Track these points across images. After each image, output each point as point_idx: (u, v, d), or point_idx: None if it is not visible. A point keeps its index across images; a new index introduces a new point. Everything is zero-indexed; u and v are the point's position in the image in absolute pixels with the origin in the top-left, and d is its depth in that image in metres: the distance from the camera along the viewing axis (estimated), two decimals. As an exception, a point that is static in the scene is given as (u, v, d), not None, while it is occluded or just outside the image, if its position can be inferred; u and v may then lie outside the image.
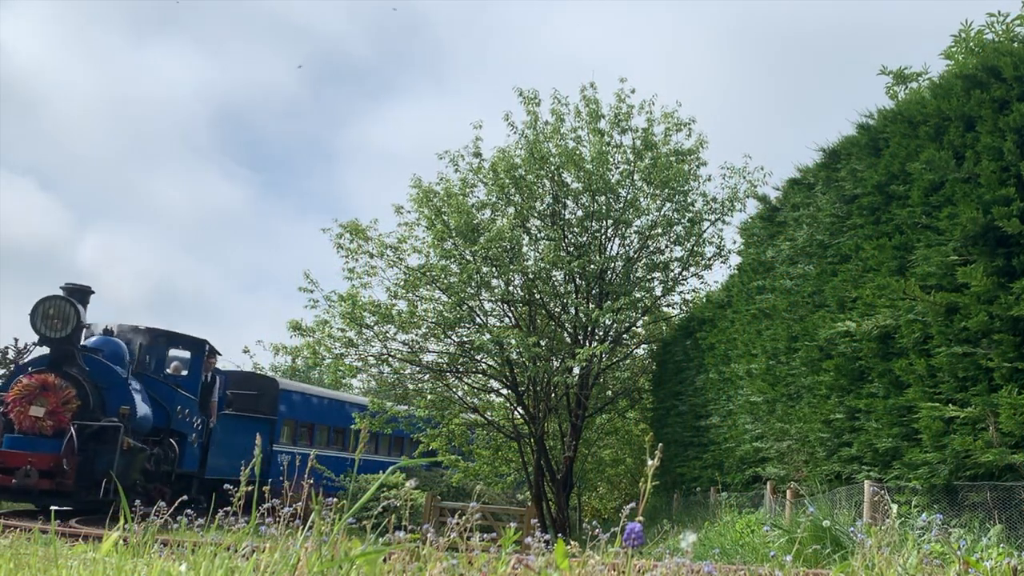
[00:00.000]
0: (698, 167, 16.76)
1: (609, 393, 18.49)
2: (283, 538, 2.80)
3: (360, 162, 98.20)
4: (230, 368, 21.52)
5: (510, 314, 16.63)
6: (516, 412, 17.29)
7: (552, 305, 16.53)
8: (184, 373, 16.49)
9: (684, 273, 17.27)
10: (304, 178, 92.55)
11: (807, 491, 7.91)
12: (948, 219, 6.68)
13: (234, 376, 19.87)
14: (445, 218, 15.47)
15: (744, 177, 16.73)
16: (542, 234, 16.52)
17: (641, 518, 2.36)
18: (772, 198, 11.22)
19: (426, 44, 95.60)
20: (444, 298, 15.62)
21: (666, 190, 16.35)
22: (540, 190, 16.36)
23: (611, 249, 16.64)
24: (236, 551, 2.99)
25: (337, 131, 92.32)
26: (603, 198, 16.14)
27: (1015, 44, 7.05)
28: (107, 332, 15.11)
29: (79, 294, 13.56)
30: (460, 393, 17.09)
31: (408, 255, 15.94)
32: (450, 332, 16.06)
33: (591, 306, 15.50)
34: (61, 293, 13.41)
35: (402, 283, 15.70)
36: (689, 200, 16.65)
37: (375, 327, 15.57)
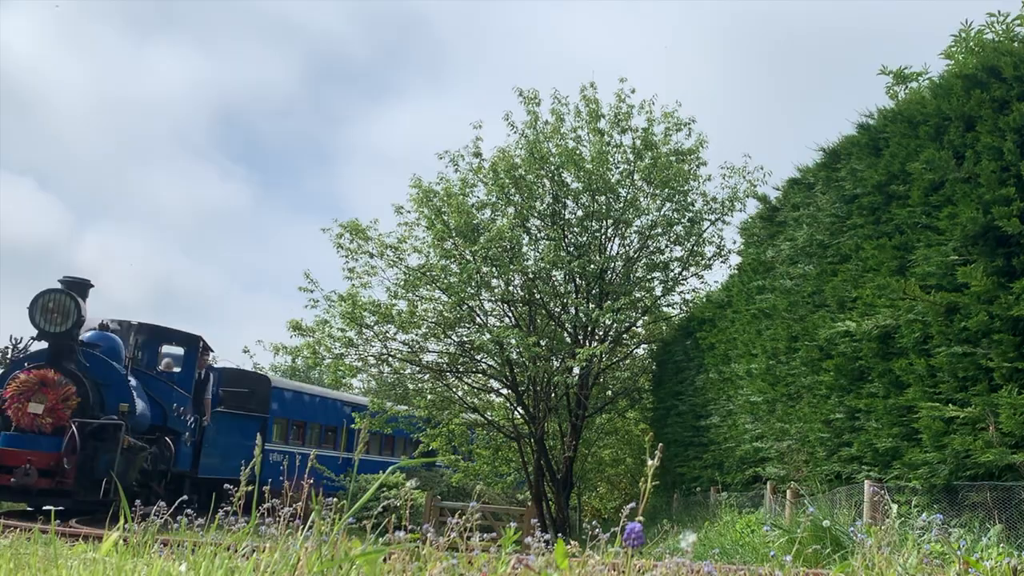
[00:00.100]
0: (698, 167, 16.77)
1: (609, 393, 18.48)
2: (283, 538, 2.80)
3: (358, 162, 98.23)
4: (219, 364, 21.32)
5: (510, 314, 16.62)
6: (516, 412, 17.29)
7: (552, 305, 16.52)
8: (177, 370, 16.08)
9: (684, 273, 17.28)
10: (302, 178, 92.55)
11: (807, 491, 7.91)
12: (948, 219, 6.68)
13: (225, 373, 19.65)
14: (445, 218, 15.47)
15: (744, 177, 16.75)
16: (542, 234, 16.52)
17: (641, 518, 2.36)
18: (772, 198, 11.23)
19: (425, 44, 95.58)
20: (444, 298, 15.62)
21: (666, 190, 16.35)
22: (540, 190, 16.36)
23: (611, 249, 16.65)
24: (236, 551, 2.99)
25: (336, 131, 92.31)
26: (603, 198, 16.13)
27: (1015, 44, 7.05)
28: (102, 327, 14.71)
29: (78, 287, 13.16)
30: (460, 393, 17.09)
31: (408, 255, 15.96)
32: (450, 332, 16.07)
33: (591, 306, 15.49)
34: (59, 286, 12.97)
35: (402, 283, 15.71)
36: (689, 200, 16.65)
37: (375, 327, 15.58)
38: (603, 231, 16.50)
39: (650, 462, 2.35)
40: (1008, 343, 6.11)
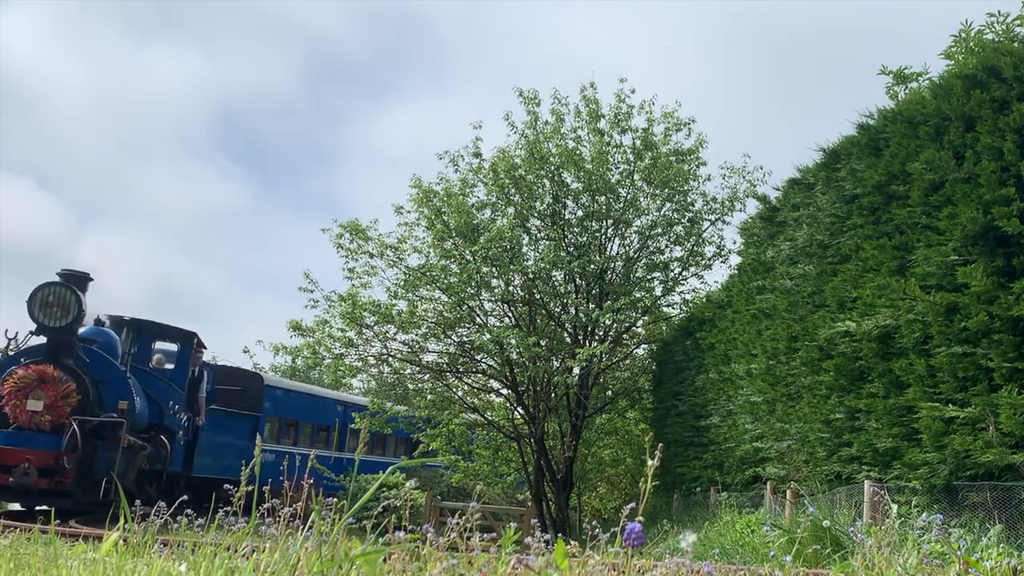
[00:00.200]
0: (698, 167, 16.77)
1: (609, 393, 18.48)
2: (283, 538, 2.80)
3: (358, 162, 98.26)
4: (213, 362, 21.15)
5: (510, 314, 16.63)
6: (516, 412, 17.30)
7: (552, 305, 16.52)
8: (169, 367, 15.69)
9: (684, 273, 17.28)
10: (302, 178, 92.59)
11: (807, 491, 7.91)
12: (948, 219, 6.68)
13: (218, 371, 19.42)
14: (445, 218, 15.47)
15: (744, 177, 16.75)
16: (542, 234, 16.53)
17: (641, 518, 2.36)
18: (772, 198, 11.23)
19: (425, 44, 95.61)
20: (444, 298, 15.62)
21: (666, 190, 16.35)
22: (540, 190, 16.36)
23: (611, 249, 16.65)
24: (236, 551, 2.99)
25: (336, 131, 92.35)
26: (603, 198, 16.14)
27: (1015, 44, 7.05)
28: (98, 323, 14.28)
29: (77, 281, 12.74)
30: (460, 393, 17.09)
31: (408, 255, 15.96)
32: (450, 332, 16.07)
33: (591, 306, 15.49)
34: (58, 279, 12.57)
35: (402, 283, 15.71)
36: (689, 200, 16.65)
37: (375, 327, 15.58)
38: (603, 231, 16.50)
39: (650, 462, 2.35)
40: (1008, 343, 6.11)
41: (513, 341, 14.89)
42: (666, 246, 17.17)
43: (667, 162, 16.18)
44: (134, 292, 69.99)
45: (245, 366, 21.78)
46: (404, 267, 15.80)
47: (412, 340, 16.08)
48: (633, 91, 16.90)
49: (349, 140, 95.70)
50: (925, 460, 6.62)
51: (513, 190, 15.96)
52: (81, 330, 13.21)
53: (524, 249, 16.11)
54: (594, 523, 3.84)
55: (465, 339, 16.28)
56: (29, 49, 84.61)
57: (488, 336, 15.24)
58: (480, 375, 16.98)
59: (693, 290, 17.58)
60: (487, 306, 16.42)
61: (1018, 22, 8.12)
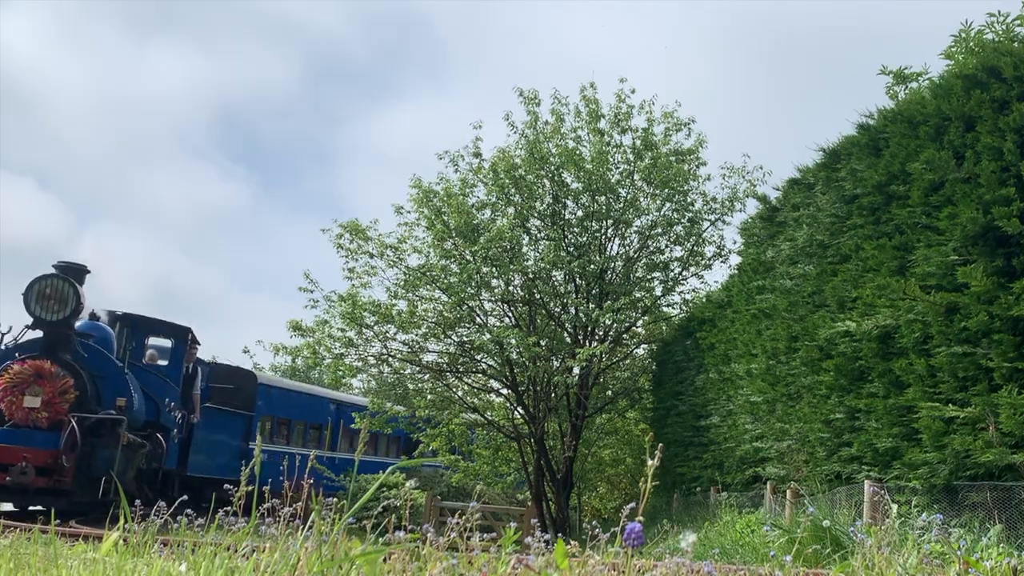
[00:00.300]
0: (698, 167, 16.77)
1: (609, 393, 18.48)
2: (283, 538, 2.80)
3: (358, 162, 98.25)
4: (208, 360, 20.89)
5: (510, 314, 16.63)
6: (516, 412, 17.29)
7: (552, 305, 16.52)
8: (163, 363, 15.30)
9: (684, 273, 17.28)
10: (302, 178, 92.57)
11: (807, 491, 7.91)
12: (948, 219, 6.68)
13: (213, 368, 19.08)
14: (445, 218, 15.47)
15: (744, 177, 16.75)
16: (542, 234, 16.53)
17: (641, 518, 2.36)
18: (772, 198, 11.23)
19: (425, 44, 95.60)
20: (444, 298, 15.62)
21: (666, 190, 16.35)
22: (540, 190, 16.36)
23: (611, 249, 16.65)
24: (236, 551, 2.99)
25: (336, 131, 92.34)
26: (603, 198, 16.14)
27: (1015, 44, 7.05)
28: (93, 317, 13.87)
29: (75, 273, 12.30)
30: (460, 393, 17.09)
31: (408, 255, 15.95)
32: (450, 332, 16.07)
33: (591, 306, 15.49)
34: (55, 272, 12.17)
35: (402, 283, 15.71)
36: (689, 200, 16.65)
37: (375, 327, 15.58)
38: (603, 231, 16.50)
39: (650, 462, 2.35)
40: (1008, 343, 6.11)
41: (513, 341, 14.89)
42: (666, 246, 17.19)
43: (667, 162, 16.18)
44: (134, 292, 70.04)
45: (245, 366, 21.72)
46: (404, 267, 15.80)
47: (412, 340, 16.09)
48: (633, 91, 16.93)
49: (349, 140, 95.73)
50: (925, 460, 6.62)
51: (513, 190, 15.96)
52: (76, 324, 12.83)
53: (524, 249, 16.11)
54: (594, 523, 3.84)
55: (465, 339, 16.28)
56: (29, 49, 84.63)
57: (488, 336, 15.24)
58: (480, 375, 16.98)
59: (693, 290, 17.61)
60: (487, 306, 16.43)
61: (1018, 22, 8.11)
